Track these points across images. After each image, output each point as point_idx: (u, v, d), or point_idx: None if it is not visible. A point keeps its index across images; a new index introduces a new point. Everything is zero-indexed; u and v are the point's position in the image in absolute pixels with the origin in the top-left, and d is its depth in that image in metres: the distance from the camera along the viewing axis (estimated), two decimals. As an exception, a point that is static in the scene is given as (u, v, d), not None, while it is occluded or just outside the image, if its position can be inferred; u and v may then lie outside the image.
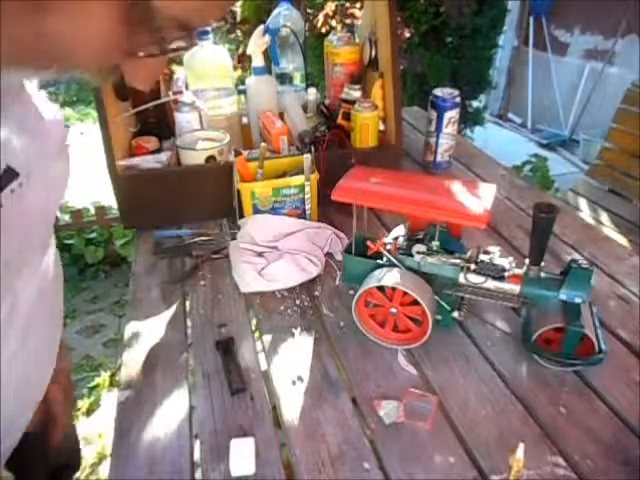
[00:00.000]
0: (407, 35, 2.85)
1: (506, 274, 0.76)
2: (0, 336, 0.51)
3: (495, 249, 0.78)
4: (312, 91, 1.39)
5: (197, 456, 0.67)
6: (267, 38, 1.30)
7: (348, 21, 2.97)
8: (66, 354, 0.82)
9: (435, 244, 0.81)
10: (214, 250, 1.07)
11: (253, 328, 0.88)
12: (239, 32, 3.58)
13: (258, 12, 3.22)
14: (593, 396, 0.74)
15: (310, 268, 0.98)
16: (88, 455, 1.68)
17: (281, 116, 1.28)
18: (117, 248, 2.53)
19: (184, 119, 1.19)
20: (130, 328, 0.88)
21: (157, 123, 1.24)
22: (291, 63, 1.42)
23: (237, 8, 3.64)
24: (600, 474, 0.63)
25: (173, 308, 0.93)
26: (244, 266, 0.99)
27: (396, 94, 1.20)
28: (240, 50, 3.39)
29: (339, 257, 1.03)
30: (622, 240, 1.74)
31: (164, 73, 1.21)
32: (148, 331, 0.87)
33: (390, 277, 0.78)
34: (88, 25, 0.36)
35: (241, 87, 1.35)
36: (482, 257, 0.77)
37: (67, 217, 2.51)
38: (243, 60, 3.06)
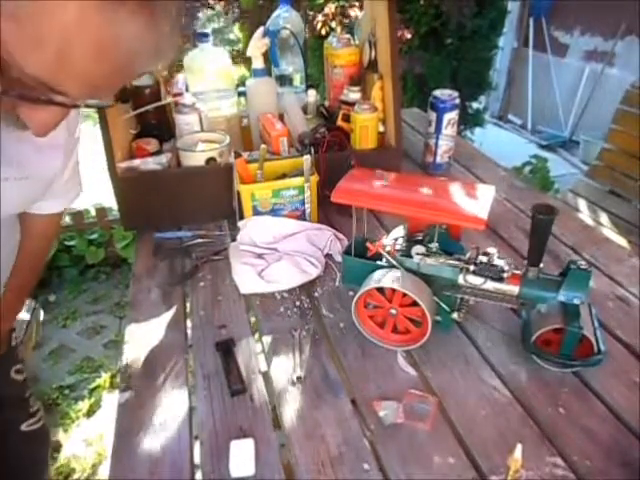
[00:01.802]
0: (408, 36, 2.85)
1: (505, 275, 0.76)
2: None
3: (494, 250, 0.78)
4: (312, 93, 1.39)
5: (197, 457, 0.67)
6: (267, 40, 1.30)
7: (347, 21, 2.98)
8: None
9: (434, 245, 0.81)
10: (214, 251, 1.07)
11: (253, 329, 0.89)
12: (239, 26, 3.59)
13: (258, 11, 3.23)
14: (592, 397, 0.74)
15: (310, 269, 0.99)
16: (89, 456, 1.68)
17: (281, 118, 1.28)
18: (117, 249, 2.53)
19: (184, 121, 1.20)
20: (130, 329, 0.89)
21: (157, 125, 1.25)
22: (291, 65, 1.43)
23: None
24: (599, 475, 0.64)
25: (173, 309, 0.93)
26: (244, 267, 0.99)
27: (396, 95, 1.20)
28: (239, 47, 3.40)
29: (339, 258, 1.03)
30: (622, 241, 1.74)
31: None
32: (148, 332, 0.88)
33: (389, 278, 0.79)
34: None
35: (241, 89, 1.36)
36: (481, 258, 0.77)
37: (68, 218, 2.51)
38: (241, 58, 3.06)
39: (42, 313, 2.08)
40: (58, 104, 0.42)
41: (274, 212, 1.09)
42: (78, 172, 0.83)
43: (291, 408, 0.73)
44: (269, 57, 1.38)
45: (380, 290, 0.81)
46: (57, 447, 1.68)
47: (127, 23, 0.39)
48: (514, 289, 0.76)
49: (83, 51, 0.39)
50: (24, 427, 0.93)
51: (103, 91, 0.44)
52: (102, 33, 0.39)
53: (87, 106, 0.44)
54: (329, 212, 1.14)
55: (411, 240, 0.84)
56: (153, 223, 1.15)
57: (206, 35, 1.24)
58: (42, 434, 1.02)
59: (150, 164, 1.13)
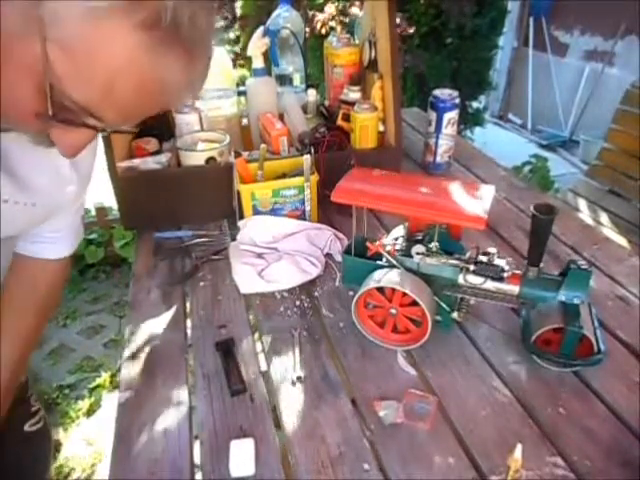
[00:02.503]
0: (410, 31, 2.83)
1: (505, 275, 0.76)
2: None
3: (494, 250, 0.78)
4: (312, 92, 1.39)
5: (197, 457, 0.67)
6: (267, 39, 1.30)
7: (347, 21, 2.97)
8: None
9: (434, 245, 0.81)
10: (214, 251, 1.07)
11: (253, 329, 0.88)
12: (238, 29, 3.59)
13: (258, 12, 3.23)
14: (592, 397, 0.74)
15: (310, 269, 0.98)
16: (88, 455, 1.68)
17: (281, 117, 1.28)
18: (117, 249, 2.53)
19: (184, 120, 1.20)
20: (130, 329, 0.89)
21: (157, 124, 1.24)
22: (291, 64, 1.42)
23: (238, 4, 3.65)
24: (599, 474, 0.64)
25: (173, 309, 0.93)
26: (244, 267, 0.99)
27: (395, 95, 1.20)
28: (239, 47, 3.40)
29: (339, 258, 1.03)
30: (622, 241, 1.74)
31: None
32: (148, 332, 0.88)
33: (389, 278, 0.78)
34: (12, 90, 0.42)
35: (241, 88, 1.36)
36: (481, 258, 0.77)
37: (68, 218, 2.51)
38: (241, 58, 3.07)
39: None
40: (90, 127, 0.45)
41: (274, 212, 1.09)
42: (82, 216, 0.83)
43: (291, 408, 0.73)
44: (269, 57, 1.38)
45: (380, 290, 0.81)
46: (57, 446, 1.68)
47: (170, 65, 0.43)
48: (514, 289, 0.76)
49: (128, 86, 0.42)
50: (27, 427, 0.93)
51: (135, 120, 0.48)
52: (147, 72, 0.42)
53: (114, 131, 0.48)
54: (329, 212, 1.14)
55: (411, 240, 0.84)
56: (153, 223, 1.15)
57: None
58: (44, 434, 1.02)
59: (150, 164, 1.12)
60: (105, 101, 0.43)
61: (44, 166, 0.63)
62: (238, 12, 3.71)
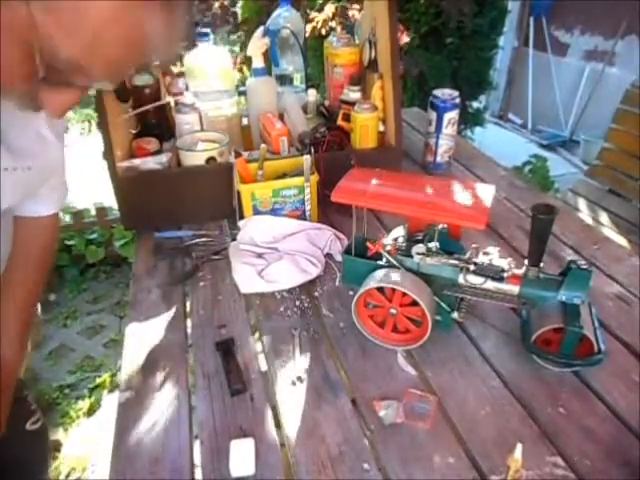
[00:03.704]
0: (406, 39, 2.84)
1: (505, 275, 0.76)
2: None
3: (494, 250, 0.78)
4: (312, 92, 1.39)
5: (197, 457, 0.67)
6: (267, 39, 1.30)
7: (348, 22, 2.97)
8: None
9: (434, 245, 0.81)
10: (214, 251, 1.07)
11: (253, 329, 0.89)
12: (241, 33, 3.58)
13: (259, 13, 3.22)
14: (592, 396, 0.74)
15: (310, 269, 0.99)
16: (88, 455, 1.68)
17: (281, 117, 1.28)
18: (117, 249, 2.53)
19: (184, 120, 1.20)
20: (130, 329, 0.89)
21: (157, 124, 1.25)
22: (291, 64, 1.42)
23: (238, 9, 3.65)
24: (599, 474, 0.64)
25: (173, 309, 0.93)
26: (244, 267, 0.99)
27: (396, 95, 1.20)
28: (242, 52, 3.40)
29: (339, 258, 1.03)
30: (622, 241, 1.74)
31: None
32: (148, 332, 0.88)
33: (390, 278, 0.79)
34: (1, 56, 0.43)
35: (241, 88, 1.36)
36: (481, 258, 0.77)
37: (68, 218, 2.51)
38: (242, 62, 3.08)
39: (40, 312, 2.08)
40: (78, 87, 0.46)
41: (274, 211, 1.09)
42: (65, 171, 0.85)
43: (291, 408, 0.73)
44: (269, 56, 1.38)
45: (380, 290, 0.81)
46: (57, 446, 1.68)
47: (153, 19, 0.45)
48: (514, 289, 0.76)
49: (113, 40, 0.44)
50: (28, 426, 0.94)
51: (119, 74, 0.50)
52: (131, 26, 0.44)
53: (98, 90, 0.50)
54: (329, 212, 1.14)
55: (411, 240, 0.84)
56: (153, 223, 1.15)
57: (206, 34, 1.24)
58: (42, 433, 1.02)
59: (150, 163, 1.12)
60: (92, 56, 0.44)
61: (27, 129, 0.65)
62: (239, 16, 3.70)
